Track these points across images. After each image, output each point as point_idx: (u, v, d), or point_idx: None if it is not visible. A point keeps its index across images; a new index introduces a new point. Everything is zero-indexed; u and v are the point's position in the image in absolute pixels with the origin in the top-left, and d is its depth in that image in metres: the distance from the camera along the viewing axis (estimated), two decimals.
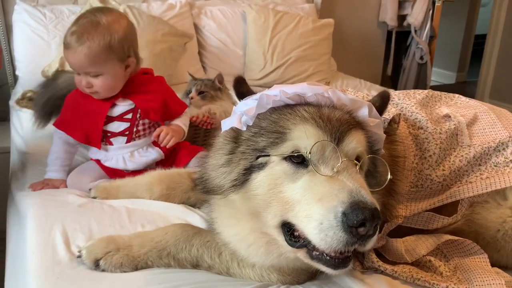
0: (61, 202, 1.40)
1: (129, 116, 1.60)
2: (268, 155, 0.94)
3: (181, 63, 2.82)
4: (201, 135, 1.84)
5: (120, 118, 1.60)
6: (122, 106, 1.59)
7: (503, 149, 1.21)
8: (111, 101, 1.57)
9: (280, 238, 0.95)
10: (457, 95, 1.45)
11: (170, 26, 2.75)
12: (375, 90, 2.96)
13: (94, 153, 1.65)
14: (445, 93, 1.45)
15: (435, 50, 4.18)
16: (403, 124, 1.26)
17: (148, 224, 1.30)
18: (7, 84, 2.87)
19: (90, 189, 1.49)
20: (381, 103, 1.09)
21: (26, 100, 2.34)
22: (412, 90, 1.43)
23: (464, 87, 6.56)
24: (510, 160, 1.19)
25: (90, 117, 1.58)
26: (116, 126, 1.59)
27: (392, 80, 4.47)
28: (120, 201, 1.43)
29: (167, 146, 1.59)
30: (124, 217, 1.33)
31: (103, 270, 1.08)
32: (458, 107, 1.37)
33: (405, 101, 1.34)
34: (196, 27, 3.04)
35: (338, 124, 0.93)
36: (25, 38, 2.59)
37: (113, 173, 1.63)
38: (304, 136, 0.91)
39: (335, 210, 0.80)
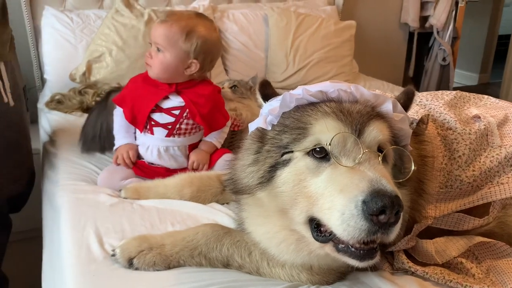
0: (93, 201, 1.44)
1: (176, 112, 1.67)
2: (292, 151, 0.95)
3: None
4: (227, 137, 1.86)
5: (168, 111, 1.67)
6: (173, 101, 1.67)
7: None
8: (165, 93, 1.66)
9: (307, 234, 0.96)
10: (486, 96, 1.44)
11: None
12: (398, 91, 2.94)
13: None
14: (474, 94, 1.44)
15: (458, 51, 4.12)
16: (431, 124, 1.26)
17: (178, 223, 1.33)
18: (34, 87, 2.94)
19: (120, 190, 1.52)
20: (405, 100, 1.10)
21: (54, 103, 2.40)
22: (440, 91, 1.42)
23: (487, 88, 6.45)
24: None
25: (143, 100, 1.67)
26: (163, 117, 1.66)
27: (413, 81, 4.43)
28: (150, 201, 1.46)
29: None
30: (155, 216, 1.36)
31: (136, 269, 1.10)
32: (488, 108, 1.36)
33: (433, 102, 1.34)
34: (219, 30, 3.06)
35: (358, 116, 0.94)
36: (53, 43, 2.64)
37: (142, 172, 1.66)
38: (325, 130, 0.92)
39: (356, 199, 0.81)
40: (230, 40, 3.08)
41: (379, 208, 0.78)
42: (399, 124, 1.00)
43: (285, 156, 0.96)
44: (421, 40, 4.22)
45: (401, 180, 0.93)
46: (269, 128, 1.01)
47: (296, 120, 0.97)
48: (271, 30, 3.06)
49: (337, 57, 3.08)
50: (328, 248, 0.92)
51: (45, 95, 2.61)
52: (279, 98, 1.05)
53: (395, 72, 4.35)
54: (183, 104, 1.66)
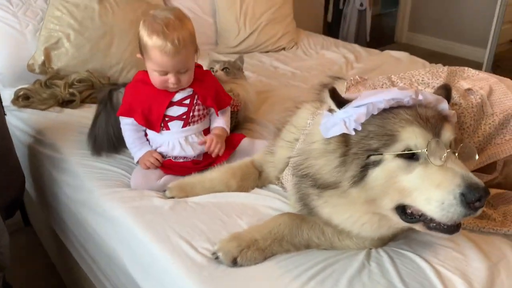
0: (151, 207, 1.51)
1: (187, 101, 1.75)
2: (381, 154, 1.15)
3: None
4: None
5: (179, 103, 1.74)
6: (182, 93, 1.74)
7: None
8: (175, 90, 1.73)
9: (395, 217, 1.19)
10: (466, 68, 1.74)
11: (147, 2, 2.70)
12: (341, 46, 3.21)
13: (151, 143, 1.78)
14: (458, 67, 1.73)
15: None
16: None
17: (242, 215, 1.47)
18: None
19: (164, 191, 1.60)
20: (446, 95, 1.33)
21: (21, 99, 2.25)
22: (435, 68, 1.69)
23: (381, 20, 7.04)
24: None
25: (153, 102, 1.72)
26: (175, 110, 1.73)
27: (332, 26, 4.74)
28: (201, 198, 1.56)
29: (218, 154, 1.76)
30: (218, 212, 1.48)
31: (240, 266, 1.26)
32: (473, 80, 1.66)
33: (434, 81, 1.60)
34: None
35: (434, 121, 1.16)
36: None
37: (171, 170, 1.73)
38: (413, 136, 1.12)
39: (454, 192, 1.05)
40: (177, 6, 3.04)
41: (476, 198, 1.04)
42: (452, 119, 1.25)
43: (373, 158, 1.15)
44: None
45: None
46: (353, 133, 1.19)
47: (380, 127, 1.15)
48: None
49: (281, 17, 3.22)
50: (418, 227, 1.17)
51: None
52: (354, 105, 1.21)
53: (315, 18, 4.60)
54: (191, 92, 1.75)
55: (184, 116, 1.74)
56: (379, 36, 5.87)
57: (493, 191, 1.47)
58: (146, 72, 1.73)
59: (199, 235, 1.38)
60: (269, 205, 1.54)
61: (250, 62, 2.82)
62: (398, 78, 1.60)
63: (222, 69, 2.09)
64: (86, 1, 2.46)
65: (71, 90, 2.25)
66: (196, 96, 1.75)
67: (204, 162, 1.77)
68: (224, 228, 1.41)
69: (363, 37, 4.52)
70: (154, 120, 1.72)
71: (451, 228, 1.13)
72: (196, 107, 1.76)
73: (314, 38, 3.42)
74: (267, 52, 3.14)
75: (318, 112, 1.46)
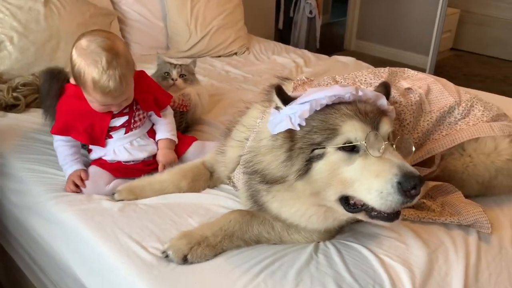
0: (100, 209, 1.49)
1: (127, 110, 1.72)
2: (324, 147, 1.20)
3: None
4: (176, 118, 1.95)
5: (120, 113, 1.71)
6: None
7: (452, 111, 1.64)
8: None
9: (339, 208, 1.24)
10: (406, 69, 1.83)
11: (94, 6, 2.67)
12: (293, 52, 3.29)
13: (95, 152, 1.73)
14: (398, 68, 1.82)
15: (321, 3, 4.60)
16: None
17: (193, 214, 1.48)
18: None
19: (113, 194, 1.58)
20: (385, 92, 1.40)
21: None
22: (377, 69, 1.77)
23: (331, 28, 7.26)
24: (458, 119, 1.63)
25: (94, 119, 1.67)
26: (117, 121, 1.71)
27: (283, 33, 4.83)
28: (151, 199, 1.56)
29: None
30: (169, 212, 1.48)
31: (191, 263, 1.27)
32: (413, 80, 1.75)
33: (376, 80, 1.68)
34: (113, 2, 2.97)
35: (372, 115, 1.22)
36: None
37: (121, 174, 1.71)
38: (353, 130, 1.18)
39: (391, 181, 1.10)
40: (126, 11, 3.03)
41: (412, 186, 1.09)
42: (391, 114, 1.31)
43: (317, 151, 1.19)
44: None
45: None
46: (298, 129, 1.23)
47: (323, 122, 1.20)
48: None
49: (232, 23, 3.26)
50: (361, 216, 1.22)
51: None
52: (299, 102, 1.25)
53: (266, 25, 4.68)
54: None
55: (126, 124, 1.72)
56: (329, 44, 6.05)
57: (432, 183, 1.55)
58: (77, 85, 1.64)
59: (149, 236, 1.37)
60: (220, 204, 1.55)
61: (202, 66, 2.83)
62: (342, 79, 1.67)
63: (180, 76, 2.08)
64: (30, 3, 2.39)
65: (15, 94, 2.17)
66: (134, 102, 1.72)
67: (155, 163, 1.76)
68: (175, 228, 1.41)
69: (313, 44, 4.64)
70: (98, 136, 1.68)
71: (391, 216, 1.19)
72: (137, 113, 1.74)
73: (266, 44, 3.47)
74: (219, 56, 3.16)
75: (267, 111, 1.48)
